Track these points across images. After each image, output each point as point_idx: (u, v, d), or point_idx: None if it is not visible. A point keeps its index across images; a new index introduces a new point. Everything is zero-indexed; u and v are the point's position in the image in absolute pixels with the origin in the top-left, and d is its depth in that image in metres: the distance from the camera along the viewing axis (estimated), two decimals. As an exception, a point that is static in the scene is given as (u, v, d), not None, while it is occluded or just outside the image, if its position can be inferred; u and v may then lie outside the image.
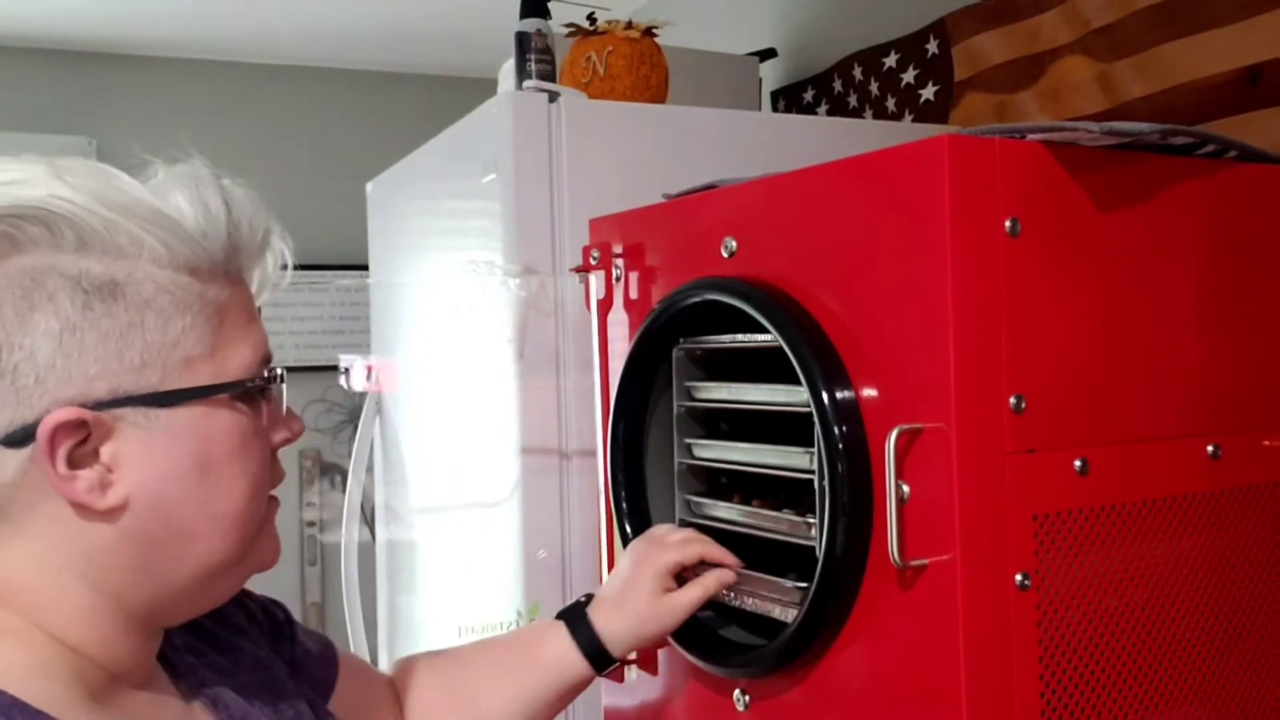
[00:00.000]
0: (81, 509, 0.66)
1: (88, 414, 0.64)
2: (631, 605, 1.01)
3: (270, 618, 0.91)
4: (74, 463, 0.65)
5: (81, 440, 0.65)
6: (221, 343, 0.70)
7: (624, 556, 1.07)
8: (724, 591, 1.04)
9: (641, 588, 1.01)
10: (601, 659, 1.01)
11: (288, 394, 0.77)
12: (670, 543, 1.04)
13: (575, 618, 1.03)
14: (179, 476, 0.69)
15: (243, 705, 0.78)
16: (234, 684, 0.80)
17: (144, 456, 0.67)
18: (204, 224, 0.70)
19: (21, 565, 0.67)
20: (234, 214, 0.72)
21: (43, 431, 0.63)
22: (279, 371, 0.75)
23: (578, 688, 1.03)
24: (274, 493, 0.77)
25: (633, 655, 1.10)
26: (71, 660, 0.68)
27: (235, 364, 0.71)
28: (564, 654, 1.01)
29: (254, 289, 0.76)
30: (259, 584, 0.90)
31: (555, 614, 1.05)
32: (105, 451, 0.66)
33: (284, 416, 0.77)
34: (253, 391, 0.72)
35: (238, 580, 0.76)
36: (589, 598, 1.05)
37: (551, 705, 1.01)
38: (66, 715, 0.64)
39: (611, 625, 1.01)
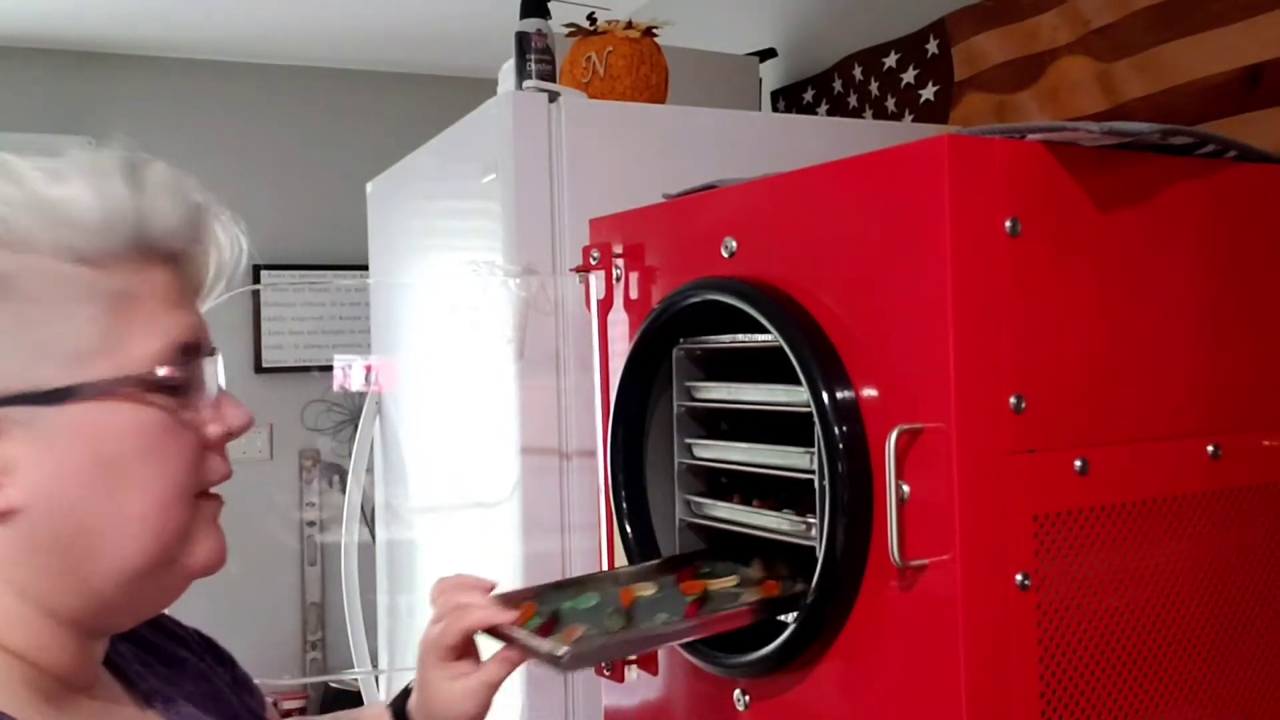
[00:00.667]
0: None
1: None
2: (426, 698, 0.94)
3: (205, 640, 0.89)
4: None
5: None
6: (125, 334, 0.66)
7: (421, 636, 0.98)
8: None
9: (430, 678, 0.93)
10: None
11: (283, 391, 0.74)
12: (439, 619, 0.94)
13: (398, 703, 0.97)
14: (77, 477, 0.65)
15: (195, 712, 0.77)
16: (181, 692, 0.78)
17: (36, 458, 0.64)
18: (103, 212, 0.65)
19: None
20: (146, 199, 0.67)
21: None
22: (207, 361, 0.70)
23: None
24: (217, 490, 0.72)
25: (632, 655, 1.10)
26: (18, 665, 0.66)
27: (139, 355, 0.66)
28: None
29: (208, 279, 0.73)
30: (261, 584, 0.89)
31: (390, 699, 0.99)
32: None
33: (219, 408, 0.71)
34: (164, 384, 0.67)
35: (173, 584, 0.71)
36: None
37: None
38: (22, 716, 0.63)
39: (422, 713, 0.94)
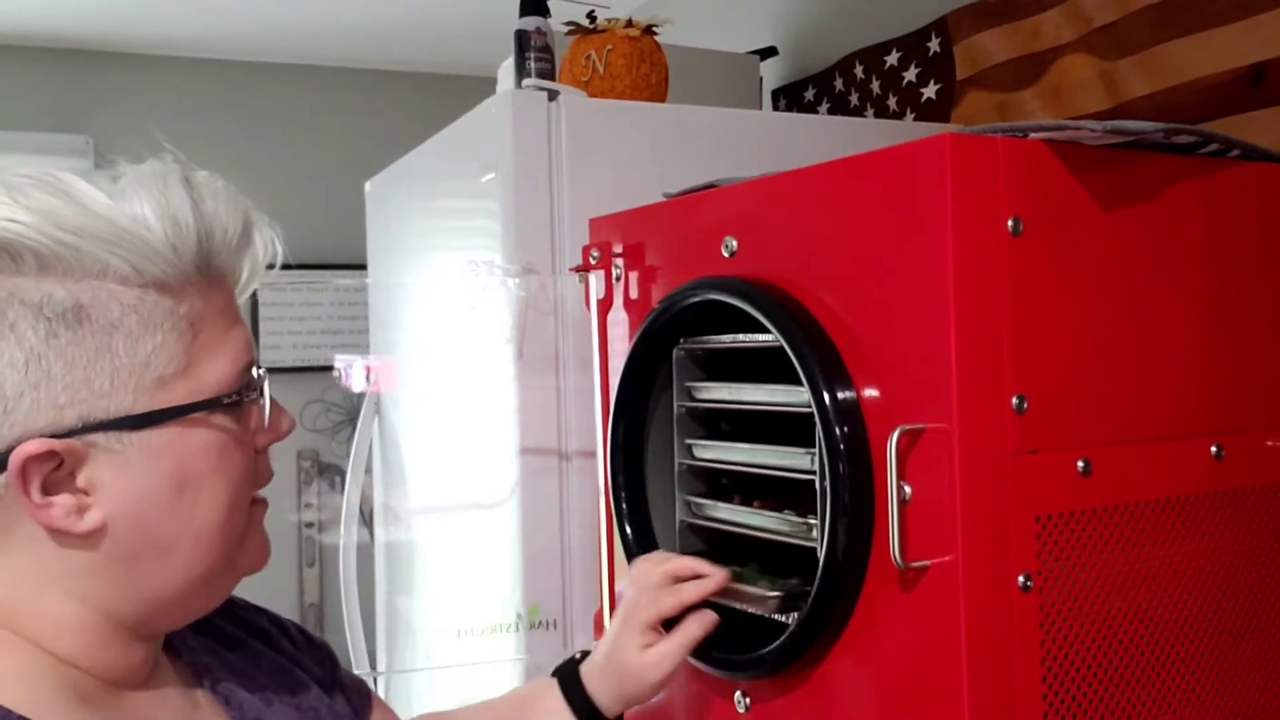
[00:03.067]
0: (59, 534, 0.65)
1: (58, 444, 0.63)
2: (617, 665, 0.98)
3: (306, 637, 0.91)
4: (49, 489, 0.64)
5: (55, 467, 0.63)
6: (197, 357, 0.68)
7: (620, 605, 1.03)
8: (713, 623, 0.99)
9: (625, 646, 0.98)
10: (593, 715, 0.98)
11: (282, 391, 0.75)
12: (651, 592, 0.99)
13: (568, 678, 0.99)
14: (156, 496, 0.67)
15: (257, 704, 0.78)
16: (251, 684, 0.79)
17: (120, 480, 0.65)
18: (172, 237, 0.66)
19: (3, 580, 0.66)
20: (205, 219, 0.68)
21: (14, 463, 0.62)
22: (261, 376, 0.73)
23: None
24: (262, 494, 0.76)
25: None
26: (57, 667, 0.67)
27: (212, 379, 0.69)
28: (555, 709, 0.98)
29: (241, 283, 0.74)
30: (258, 584, 0.89)
31: (552, 670, 1.02)
32: (81, 477, 0.65)
33: (270, 417, 0.75)
34: (232, 404, 0.70)
35: (228, 585, 0.75)
36: (584, 655, 1.02)
37: None
38: (40, 717, 0.64)
39: (601, 686, 0.98)
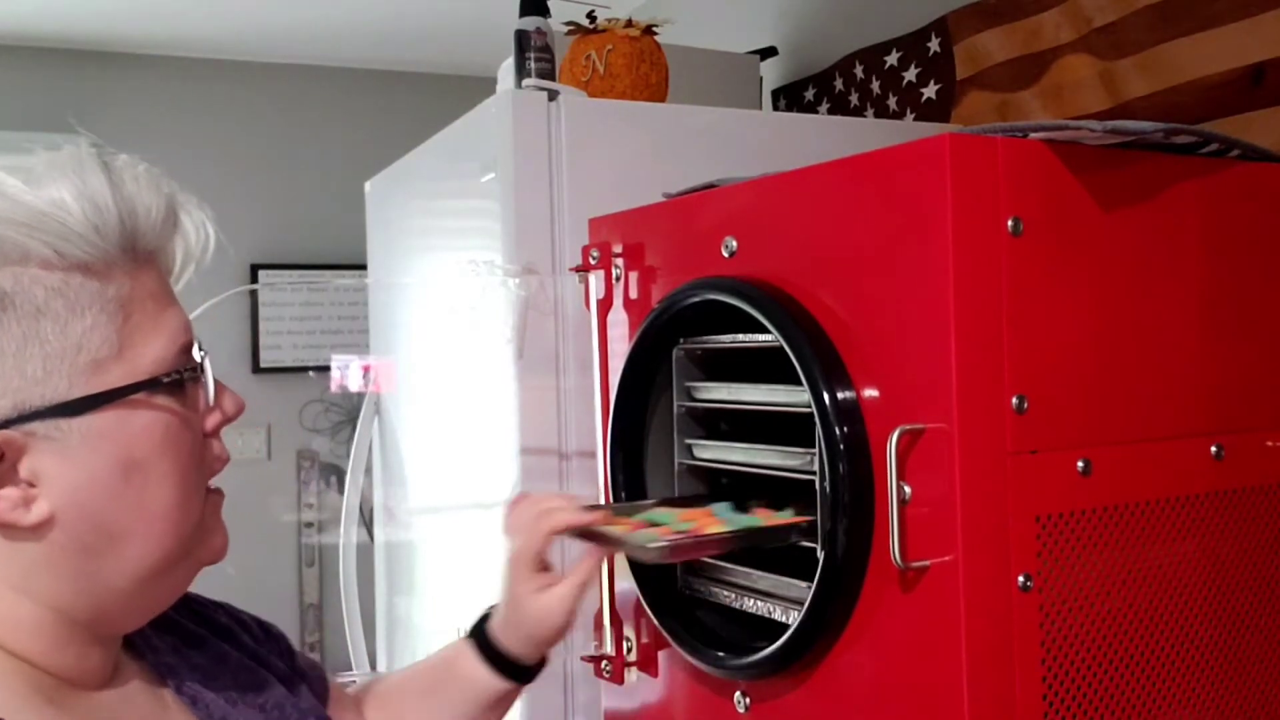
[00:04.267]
0: (7, 527, 0.64)
1: None
2: (516, 615, 0.96)
3: (264, 629, 0.91)
4: None
5: None
6: (131, 339, 0.66)
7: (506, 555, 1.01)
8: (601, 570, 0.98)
9: (519, 595, 0.95)
10: (514, 669, 0.97)
11: (282, 391, 0.75)
12: (525, 534, 0.96)
13: (479, 634, 0.99)
14: (103, 483, 0.66)
15: (222, 704, 0.78)
16: (215, 684, 0.79)
17: (64, 468, 0.64)
18: (93, 218, 0.65)
19: None
20: (126, 200, 0.67)
21: None
22: (201, 356, 0.71)
23: (504, 700, 0.99)
24: (215, 483, 0.74)
25: (632, 656, 1.09)
26: (19, 666, 0.67)
27: (149, 359, 0.67)
28: (475, 673, 0.97)
29: (176, 266, 0.73)
30: (258, 584, 0.89)
31: (467, 630, 1.01)
32: (24, 468, 0.64)
33: (215, 398, 0.73)
34: (172, 384, 0.68)
35: (185, 577, 0.73)
36: (493, 608, 1.00)
37: (484, 718, 0.99)
38: (18, 716, 0.63)
39: (510, 637, 0.97)
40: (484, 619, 0.99)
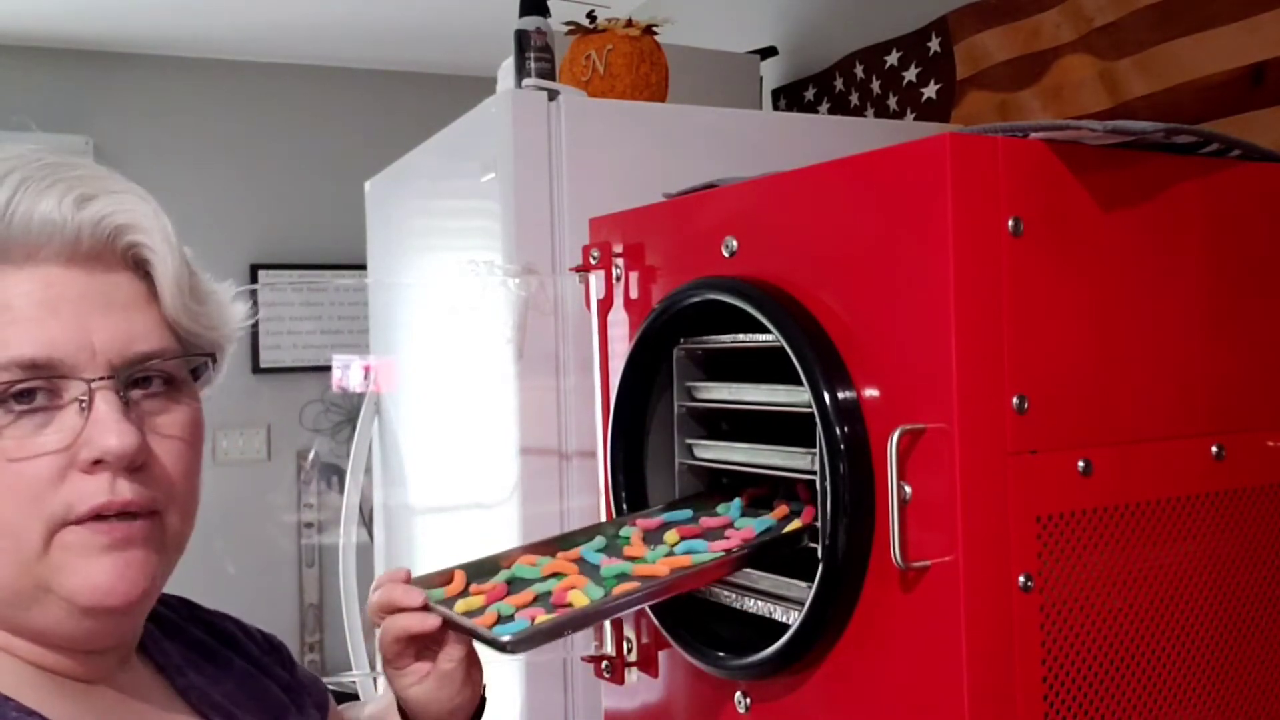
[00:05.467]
0: None
1: None
2: (407, 704, 0.91)
3: (268, 641, 0.91)
4: None
5: None
6: None
7: None
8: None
9: (396, 684, 0.90)
10: None
11: (282, 391, 0.73)
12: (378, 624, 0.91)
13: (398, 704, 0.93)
14: None
15: (229, 709, 0.78)
16: (221, 690, 0.80)
17: None
18: None
19: None
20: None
21: None
22: (93, 381, 0.64)
23: None
24: (88, 512, 0.65)
25: (633, 656, 1.09)
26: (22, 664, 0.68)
27: None
28: None
29: (58, 264, 0.66)
30: (258, 584, 0.89)
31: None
32: None
33: (94, 431, 0.64)
34: None
35: (54, 614, 0.66)
36: None
37: None
38: (26, 698, 0.64)
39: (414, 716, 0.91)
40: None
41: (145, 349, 0.68)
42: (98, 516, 0.65)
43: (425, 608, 0.88)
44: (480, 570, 0.98)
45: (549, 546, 1.03)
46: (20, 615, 0.67)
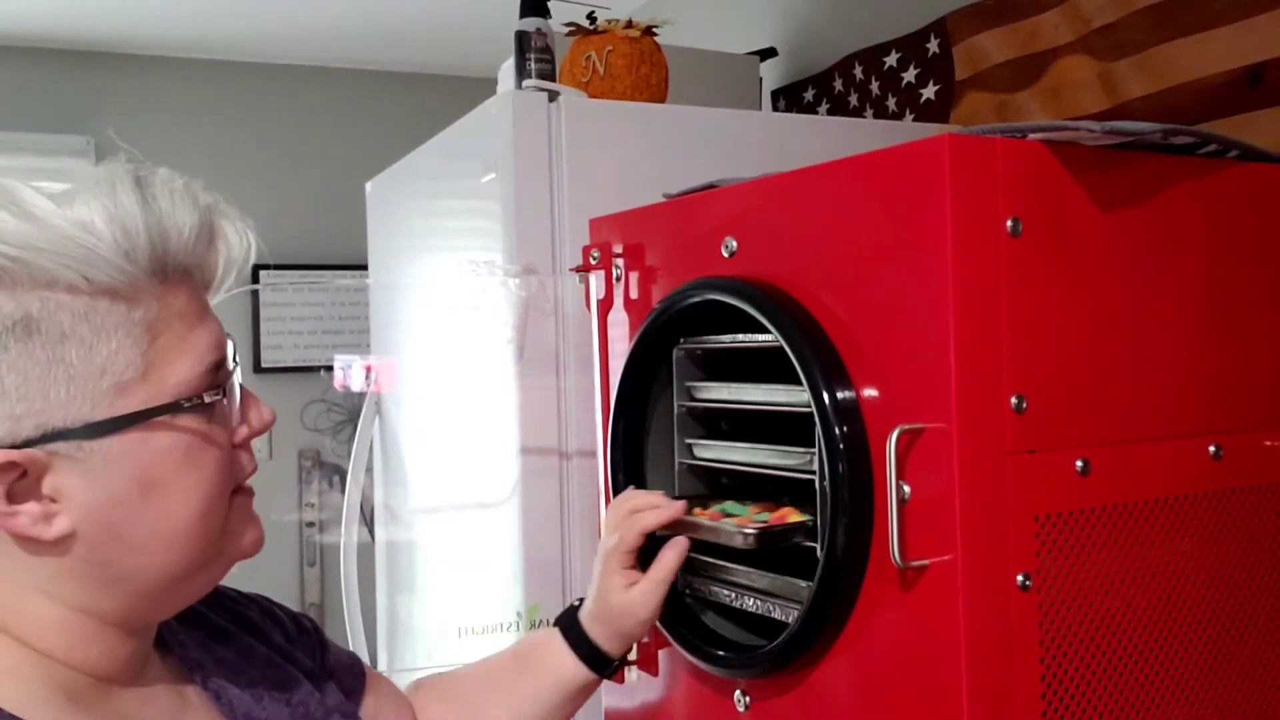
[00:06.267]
0: (30, 541, 0.65)
1: (17, 454, 0.63)
2: (604, 609, 1.02)
3: (297, 624, 0.92)
4: (14, 497, 0.64)
5: (19, 476, 0.64)
6: (155, 361, 0.67)
7: (598, 550, 1.07)
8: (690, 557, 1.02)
9: (608, 590, 1.01)
10: (599, 660, 1.02)
11: (282, 391, 0.76)
12: (617, 532, 1.03)
13: (569, 624, 1.03)
14: (123, 501, 0.67)
15: (247, 700, 0.78)
16: (242, 680, 0.80)
17: (85, 486, 0.65)
18: (123, 243, 0.65)
19: None
20: (159, 221, 0.67)
21: None
22: (229, 373, 0.72)
23: (583, 691, 1.03)
24: (249, 484, 0.75)
25: (633, 655, 1.10)
26: (45, 665, 0.68)
27: (173, 382, 0.67)
28: (561, 662, 1.01)
29: (216, 279, 0.73)
30: (259, 584, 0.90)
31: (553, 620, 1.05)
32: (46, 485, 0.65)
33: (243, 412, 0.73)
34: (196, 407, 0.68)
35: (217, 574, 0.74)
36: (581, 601, 1.05)
37: (557, 712, 1.02)
38: (36, 717, 0.64)
39: (598, 630, 1.02)
40: (572, 611, 1.04)
41: None
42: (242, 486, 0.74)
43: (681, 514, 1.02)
44: (694, 503, 1.07)
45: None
46: (170, 593, 0.71)
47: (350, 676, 0.94)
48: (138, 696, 0.72)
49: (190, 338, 0.69)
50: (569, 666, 1.01)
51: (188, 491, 0.69)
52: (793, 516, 1.00)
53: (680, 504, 1.02)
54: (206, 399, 0.69)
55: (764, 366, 1.02)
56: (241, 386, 0.74)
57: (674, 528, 1.02)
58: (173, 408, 0.67)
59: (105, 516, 0.66)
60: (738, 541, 0.97)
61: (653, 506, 1.03)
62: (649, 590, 1.00)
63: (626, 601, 1.00)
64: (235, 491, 0.73)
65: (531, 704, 1.01)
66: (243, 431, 0.73)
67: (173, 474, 0.68)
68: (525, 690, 1.01)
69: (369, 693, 0.95)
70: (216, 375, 0.70)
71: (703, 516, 1.03)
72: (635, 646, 1.16)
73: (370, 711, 0.94)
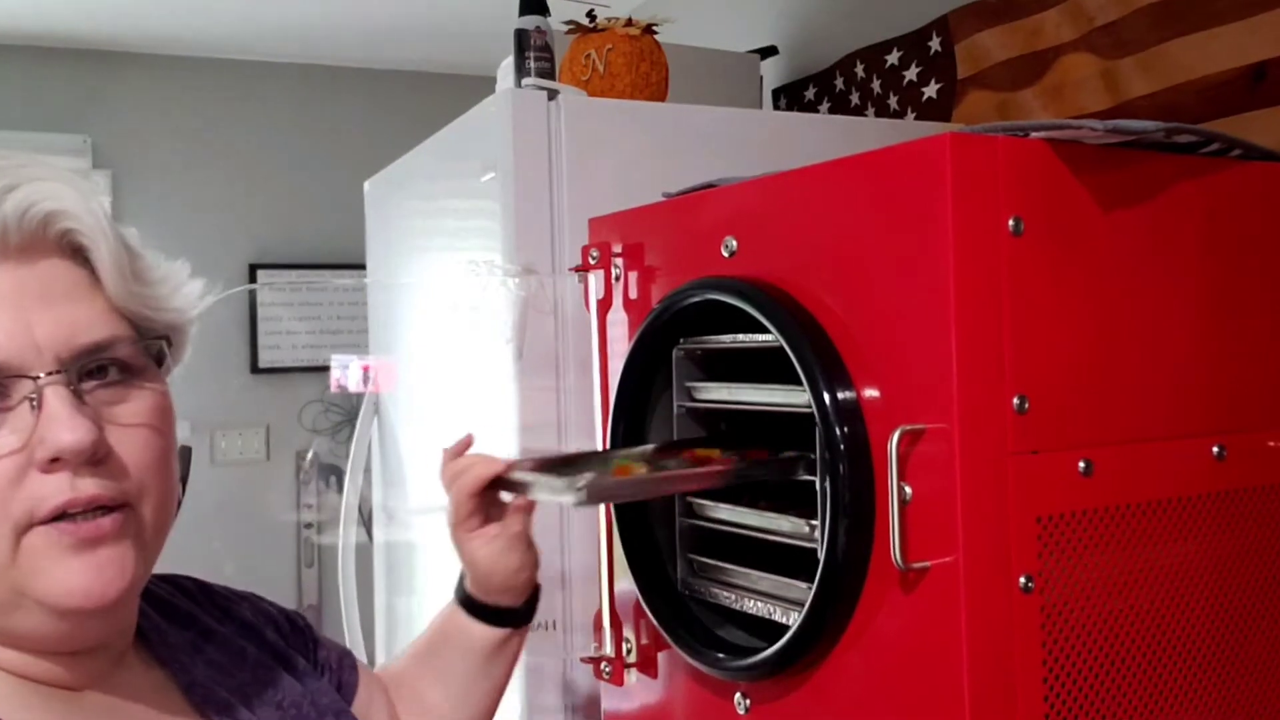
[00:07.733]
0: None
1: None
2: (474, 568, 1.00)
3: (290, 621, 0.91)
4: None
5: None
6: None
7: None
8: (529, 506, 0.98)
9: (467, 550, 0.99)
10: (503, 616, 1.00)
11: (282, 391, 0.73)
12: (449, 494, 0.99)
13: (460, 593, 1.03)
14: None
15: (235, 703, 0.77)
16: (231, 682, 0.78)
17: None
18: None
19: None
20: None
21: None
22: (42, 377, 0.62)
23: (504, 648, 1.01)
24: (93, 524, 0.64)
25: (632, 659, 1.09)
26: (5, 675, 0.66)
27: None
28: (467, 632, 1.01)
29: (96, 266, 0.66)
30: (257, 584, 0.89)
31: (454, 591, 1.04)
32: None
33: (47, 426, 0.62)
34: None
35: (45, 619, 0.64)
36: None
37: (485, 676, 1.01)
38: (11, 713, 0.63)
39: (483, 590, 1.00)
40: (461, 579, 1.03)
41: (92, 339, 0.65)
42: (64, 516, 0.63)
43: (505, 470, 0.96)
44: (550, 467, 1.03)
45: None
46: (1, 622, 0.65)
47: (344, 671, 0.94)
48: (114, 698, 0.70)
49: None
50: (475, 631, 1.00)
51: None
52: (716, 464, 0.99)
53: (500, 462, 0.97)
54: None
55: (764, 366, 1.01)
56: (70, 402, 0.63)
57: (503, 486, 0.97)
58: None
59: None
60: (560, 499, 0.92)
61: (468, 468, 0.97)
62: (505, 547, 0.97)
63: (487, 558, 0.98)
64: (42, 522, 0.63)
65: (460, 679, 1.00)
66: (42, 450, 0.62)
67: None
68: (448, 663, 1.01)
69: (361, 686, 0.95)
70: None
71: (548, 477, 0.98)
72: (634, 648, 1.16)
73: (363, 707, 0.93)
